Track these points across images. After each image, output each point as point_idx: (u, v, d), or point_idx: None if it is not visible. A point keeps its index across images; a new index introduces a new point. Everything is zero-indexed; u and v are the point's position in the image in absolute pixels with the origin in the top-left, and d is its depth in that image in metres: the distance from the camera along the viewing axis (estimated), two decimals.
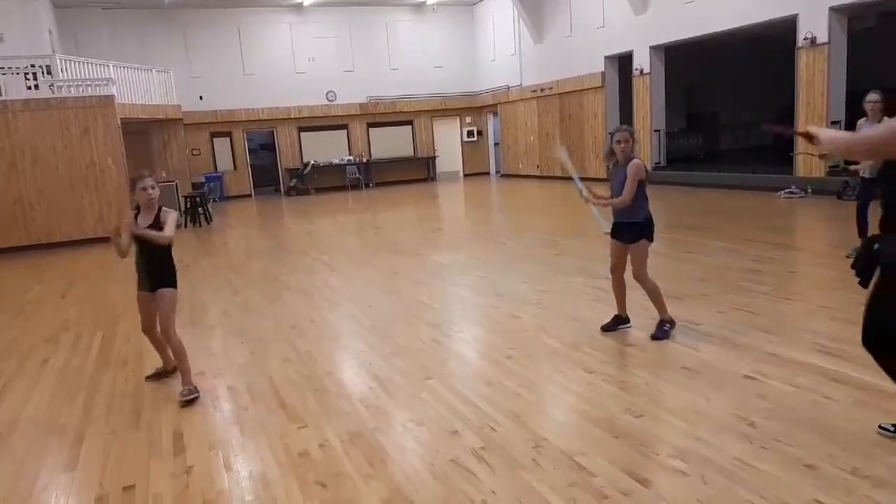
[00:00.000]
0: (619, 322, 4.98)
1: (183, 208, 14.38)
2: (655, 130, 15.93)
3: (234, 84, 20.16)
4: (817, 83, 11.87)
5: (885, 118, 4.92)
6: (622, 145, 4.63)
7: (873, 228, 3.27)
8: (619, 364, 4.42)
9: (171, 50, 19.18)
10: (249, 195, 20.98)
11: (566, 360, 4.47)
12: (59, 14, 17.48)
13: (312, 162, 20.88)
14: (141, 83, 16.21)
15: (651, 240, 4.75)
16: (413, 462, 3.24)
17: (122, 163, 12.74)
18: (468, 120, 23.41)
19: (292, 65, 20.81)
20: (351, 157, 21.70)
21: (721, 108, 20.34)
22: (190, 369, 4.38)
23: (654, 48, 15.42)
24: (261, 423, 3.85)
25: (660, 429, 3.39)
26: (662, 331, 4.74)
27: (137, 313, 4.60)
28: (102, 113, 12.62)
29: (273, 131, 21.17)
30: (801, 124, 11.55)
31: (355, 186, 21.46)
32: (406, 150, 22.74)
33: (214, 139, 20.46)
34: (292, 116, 21.03)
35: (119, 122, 12.88)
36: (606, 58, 16.79)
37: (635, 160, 4.62)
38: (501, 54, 21.51)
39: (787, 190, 11.90)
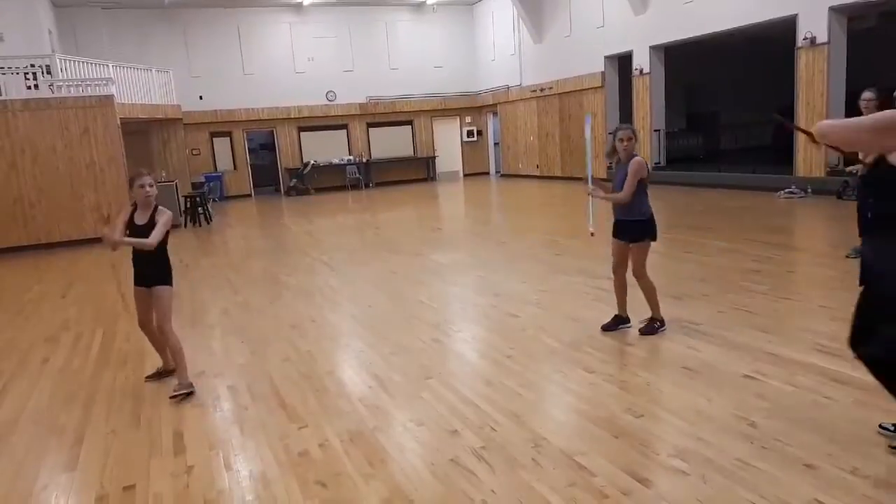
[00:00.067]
0: (619, 322, 4.99)
1: (183, 208, 14.38)
2: (655, 130, 15.93)
3: (234, 84, 20.15)
4: (817, 83, 11.88)
5: None
6: (624, 143, 4.68)
7: None
8: (619, 364, 4.42)
9: (170, 50, 19.17)
10: (249, 195, 20.98)
11: (566, 360, 4.47)
12: (59, 14, 17.48)
13: (312, 162, 20.87)
14: (141, 83, 16.20)
15: (654, 238, 4.78)
16: (413, 461, 3.24)
17: (122, 163, 12.75)
18: (468, 120, 23.41)
19: (292, 64, 20.81)
20: (351, 157, 21.70)
21: (721, 108, 20.33)
22: (186, 366, 4.42)
23: (653, 48, 15.42)
24: (261, 422, 3.85)
25: (660, 428, 3.39)
26: (652, 327, 4.80)
27: (136, 313, 4.64)
28: (102, 113, 12.62)
29: (273, 131, 21.16)
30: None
31: (355, 186, 21.46)
32: (406, 150, 22.73)
33: (214, 139, 20.45)
34: (292, 116, 21.02)
35: (119, 122, 12.88)
36: (606, 58, 16.78)
37: (637, 158, 4.68)
38: (501, 54, 21.51)
39: (787, 190, 11.90)
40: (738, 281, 6.16)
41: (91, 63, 14.27)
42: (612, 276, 5.03)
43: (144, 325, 4.61)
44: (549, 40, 19.13)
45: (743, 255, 7.25)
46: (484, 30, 22.32)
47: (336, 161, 21.39)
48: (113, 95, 12.88)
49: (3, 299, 8.16)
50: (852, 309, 2.94)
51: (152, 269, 4.38)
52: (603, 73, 16.92)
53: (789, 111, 12.68)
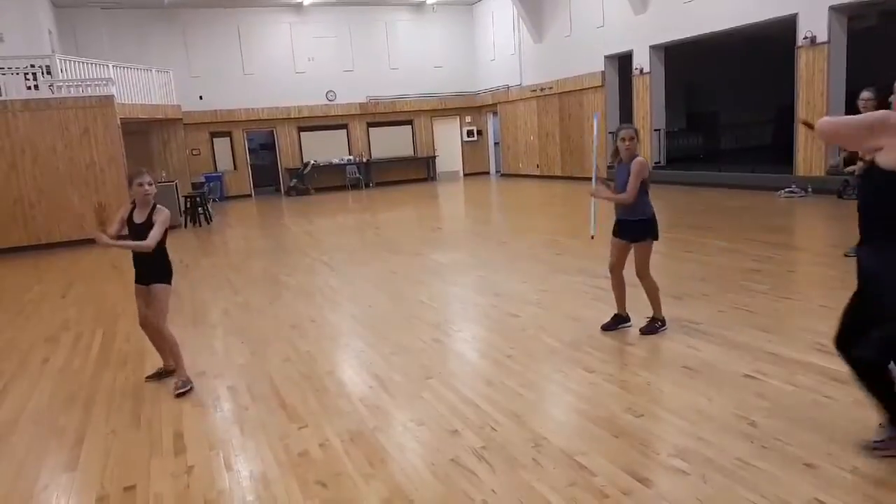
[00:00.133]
0: (619, 321, 4.99)
1: (183, 208, 14.38)
2: (655, 130, 15.93)
3: (234, 84, 20.15)
4: (817, 83, 11.87)
5: None
6: (626, 143, 4.68)
7: None
8: (619, 363, 4.42)
9: (170, 50, 19.18)
10: (249, 195, 20.98)
11: (566, 360, 4.47)
12: (59, 14, 17.48)
13: (312, 162, 20.87)
14: (141, 83, 16.20)
15: (656, 237, 4.78)
16: (413, 461, 3.24)
17: (123, 163, 12.75)
18: (468, 119, 23.41)
19: (292, 64, 20.81)
20: (351, 157, 21.70)
21: (721, 108, 20.32)
22: (183, 363, 4.46)
23: (653, 48, 15.42)
24: (261, 422, 3.85)
25: (660, 428, 3.39)
26: (653, 327, 4.81)
27: (137, 313, 4.66)
28: (102, 113, 12.62)
29: (273, 131, 21.16)
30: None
31: (355, 186, 21.46)
32: (406, 150, 22.74)
33: (214, 139, 20.46)
34: (292, 116, 21.02)
35: (119, 122, 12.88)
36: (606, 57, 16.78)
37: (639, 158, 4.68)
38: (501, 54, 21.51)
39: (787, 189, 11.90)
40: (739, 280, 6.16)
41: (91, 63, 14.27)
42: (609, 275, 5.04)
43: (145, 323, 4.63)
44: (548, 40, 19.13)
45: (743, 255, 7.25)
46: (484, 29, 22.32)
47: (336, 161, 21.39)
48: (113, 96, 12.88)
49: (4, 299, 8.16)
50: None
51: (150, 268, 4.43)
52: (603, 73, 16.92)
53: (789, 111, 12.68)
